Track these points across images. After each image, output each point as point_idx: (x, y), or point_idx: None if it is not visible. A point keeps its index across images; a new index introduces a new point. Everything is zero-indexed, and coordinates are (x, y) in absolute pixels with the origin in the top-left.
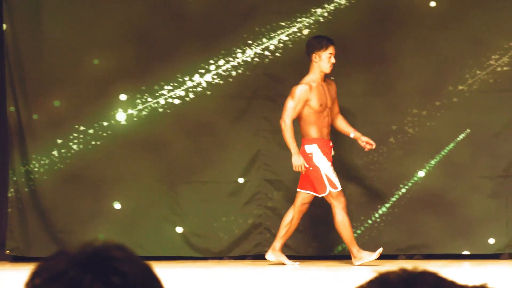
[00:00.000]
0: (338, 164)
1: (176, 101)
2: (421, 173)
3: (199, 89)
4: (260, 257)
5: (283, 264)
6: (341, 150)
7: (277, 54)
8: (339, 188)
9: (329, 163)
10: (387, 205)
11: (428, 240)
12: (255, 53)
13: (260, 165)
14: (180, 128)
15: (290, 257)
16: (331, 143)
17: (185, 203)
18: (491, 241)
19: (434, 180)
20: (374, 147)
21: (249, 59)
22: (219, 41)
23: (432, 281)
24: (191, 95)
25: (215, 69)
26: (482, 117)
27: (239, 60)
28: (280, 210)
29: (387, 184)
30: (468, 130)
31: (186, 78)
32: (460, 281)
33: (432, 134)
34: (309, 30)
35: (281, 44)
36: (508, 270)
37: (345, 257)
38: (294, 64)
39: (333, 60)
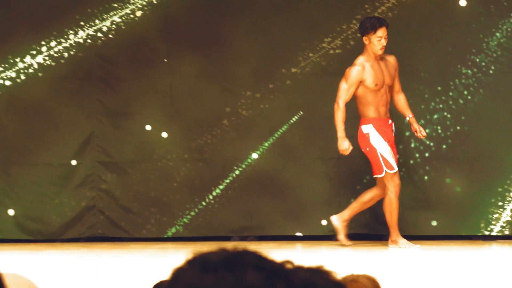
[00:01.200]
0: (169, 146)
1: (7, 83)
2: (255, 155)
3: (30, 70)
4: (94, 239)
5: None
6: (175, 131)
7: (110, 36)
8: (395, 169)
9: (386, 143)
10: (221, 187)
11: (262, 221)
12: (88, 34)
13: (93, 147)
14: (12, 110)
15: (125, 239)
16: (390, 121)
17: (17, 185)
18: (324, 222)
19: (268, 162)
20: (422, 137)
21: (81, 41)
22: (50, 22)
23: (253, 260)
24: (23, 77)
25: (47, 51)
26: (315, 100)
27: (71, 42)
28: (113, 192)
29: (221, 166)
30: (301, 113)
31: (17, 60)
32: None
33: (265, 116)
34: (142, 12)
35: (114, 26)
36: (340, 252)
37: (179, 239)
38: (126, 46)
39: (383, 42)
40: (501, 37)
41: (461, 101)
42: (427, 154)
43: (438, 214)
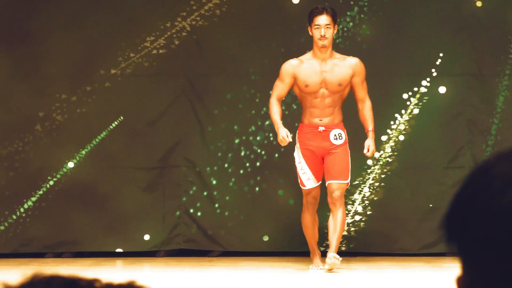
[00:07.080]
0: None
1: None
2: (71, 164)
3: None
4: None
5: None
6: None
7: None
8: (306, 186)
9: (300, 158)
10: (34, 198)
11: (79, 236)
12: None
13: None
14: None
15: None
16: (322, 128)
17: None
18: (147, 237)
19: (85, 171)
20: (368, 155)
21: None
22: None
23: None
24: None
25: None
26: (137, 104)
27: None
28: None
29: (33, 176)
30: (122, 118)
31: None
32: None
33: (83, 121)
34: None
35: None
36: (164, 269)
37: None
38: None
39: (323, 32)
40: (336, 37)
41: (295, 107)
42: (258, 164)
43: (270, 228)
